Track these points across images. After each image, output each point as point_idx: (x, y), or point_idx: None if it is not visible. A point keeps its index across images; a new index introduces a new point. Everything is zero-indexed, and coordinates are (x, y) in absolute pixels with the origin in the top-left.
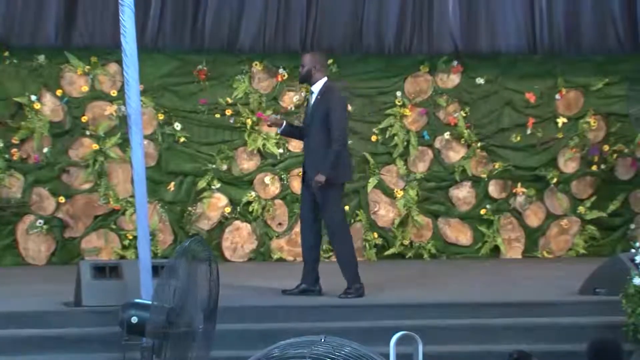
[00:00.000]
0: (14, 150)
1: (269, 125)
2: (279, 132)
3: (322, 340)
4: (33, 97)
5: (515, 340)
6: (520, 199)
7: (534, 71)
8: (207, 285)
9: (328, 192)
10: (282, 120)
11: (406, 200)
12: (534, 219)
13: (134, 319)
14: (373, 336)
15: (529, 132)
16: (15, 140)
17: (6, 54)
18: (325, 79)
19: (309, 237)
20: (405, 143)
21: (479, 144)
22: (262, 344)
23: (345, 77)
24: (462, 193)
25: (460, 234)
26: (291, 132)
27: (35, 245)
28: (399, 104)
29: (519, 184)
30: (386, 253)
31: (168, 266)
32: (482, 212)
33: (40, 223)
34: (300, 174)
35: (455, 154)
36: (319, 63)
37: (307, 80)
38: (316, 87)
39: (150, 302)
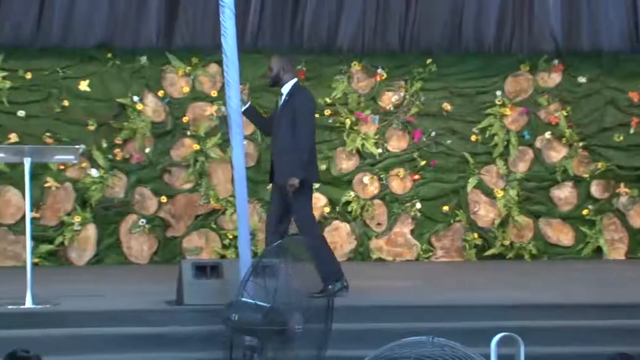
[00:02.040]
0: (117, 150)
1: None
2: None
3: (430, 340)
4: (135, 98)
5: (617, 342)
6: (623, 199)
7: (637, 70)
8: (316, 285)
9: (300, 192)
10: (248, 99)
11: (506, 201)
12: (638, 220)
13: (235, 317)
14: (474, 337)
15: (632, 131)
16: (118, 140)
17: (109, 55)
18: (294, 80)
19: (273, 238)
20: (506, 143)
21: (580, 144)
22: (364, 344)
23: (444, 77)
24: (564, 193)
25: (561, 235)
26: (254, 117)
27: (137, 244)
28: (499, 103)
29: (622, 184)
30: (486, 253)
31: (263, 265)
32: (585, 212)
33: (142, 222)
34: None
35: (556, 154)
36: (287, 65)
37: (277, 83)
38: (285, 89)
39: (253, 302)
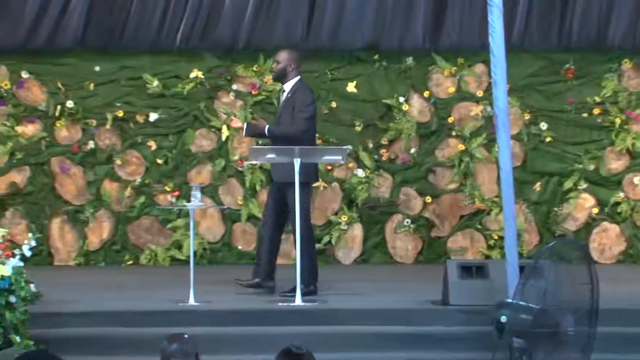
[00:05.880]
0: (383, 150)
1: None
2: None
3: None
4: (401, 99)
5: None
6: None
7: None
8: (583, 288)
9: (294, 191)
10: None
11: None
12: None
13: (504, 319)
14: None
15: None
16: (384, 141)
17: (376, 57)
18: (298, 77)
19: (273, 238)
20: None
21: None
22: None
23: None
24: None
25: None
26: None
27: (403, 243)
28: None
29: None
30: None
31: (533, 266)
32: None
33: (407, 222)
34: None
35: None
36: (294, 62)
37: (281, 78)
38: (288, 86)
39: (522, 303)
